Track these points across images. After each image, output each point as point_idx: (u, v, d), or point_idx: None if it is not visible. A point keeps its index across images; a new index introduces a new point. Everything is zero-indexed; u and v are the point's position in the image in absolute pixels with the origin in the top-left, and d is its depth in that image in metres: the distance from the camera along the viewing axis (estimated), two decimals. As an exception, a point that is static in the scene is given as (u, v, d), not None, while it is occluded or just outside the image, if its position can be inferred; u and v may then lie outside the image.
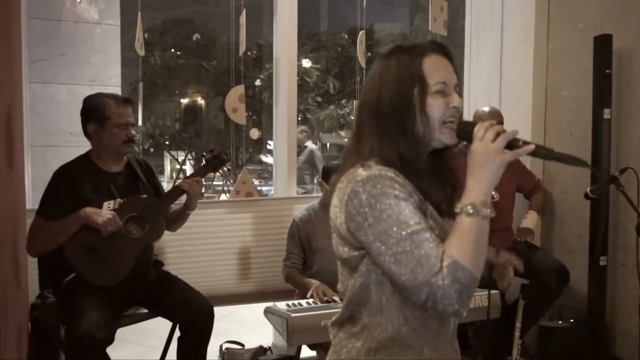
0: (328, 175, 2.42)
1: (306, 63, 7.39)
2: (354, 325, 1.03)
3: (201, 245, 2.71)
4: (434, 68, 1.02)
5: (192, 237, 2.67)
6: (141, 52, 2.82)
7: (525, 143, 0.96)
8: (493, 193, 2.61)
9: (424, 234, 0.93)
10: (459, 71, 1.07)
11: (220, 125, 7.66)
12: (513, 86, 3.16)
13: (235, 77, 2.93)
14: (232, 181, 4.22)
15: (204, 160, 2.22)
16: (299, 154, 5.51)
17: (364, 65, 3.01)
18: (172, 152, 9.96)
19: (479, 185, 0.95)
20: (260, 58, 7.54)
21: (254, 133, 3.48)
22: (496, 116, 2.76)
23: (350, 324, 1.04)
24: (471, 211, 0.94)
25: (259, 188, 8.89)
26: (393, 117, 1.01)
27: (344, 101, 7.68)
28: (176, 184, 2.16)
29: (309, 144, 6.34)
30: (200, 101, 9.58)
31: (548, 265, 2.63)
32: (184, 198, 2.19)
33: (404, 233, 0.93)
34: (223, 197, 3.56)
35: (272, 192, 3.16)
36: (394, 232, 0.93)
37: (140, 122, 3.04)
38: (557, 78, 2.99)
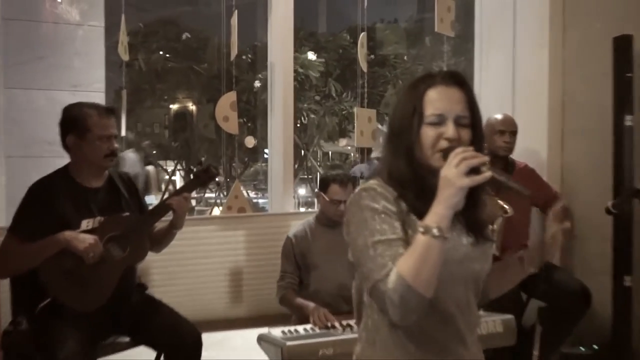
0: (326, 185, 2.42)
1: (311, 55, 7.39)
2: (363, 330, 1.23)
3: (189, 266, 2.72)
4: (433, 100, 1.19)
5: (179, 257, 2.66)
6: (125, 56, 2.83)
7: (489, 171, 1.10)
8: (507, 207, 2.62)
9: (386, 245, 1.11)
10: (474, 100, 1.21)
11: (212, 135, 7.65)
12: (527, 92, 3.20)
13: (226, 83, 2.94)
14: (225, 194, 4.23)
15: (191, 175, 2.23)
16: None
17: (365, 69, 3.02)
18: (160, 163, 9.97)
19: (437, 206, 1.10)
20: (255, 60, 7.57)
21: (249, 141, 3.49)
22: (509, 125, 2.78)
23: (361, 329, 1.23)
24: (422, 230, 1.09)
25: (255, 201, 8.87)
26: (395, 140, 1.22)
27: (345, 106, 7.69)
28: (162, 200, 2.15)
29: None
30: (191, 107, 9.61)
31: (568, 286, 2.62)
32: (170, 215, 2.18)
33: (371, 240, 1.13)
34: (216, 210, 3.56)
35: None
36: (364, 238, 1.14)
37: (123, 133, 3.04)
38: (574, 83, 3.01)
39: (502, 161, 2.76)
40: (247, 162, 9.01)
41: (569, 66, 3.04)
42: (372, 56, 7.59)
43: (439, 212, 1.09)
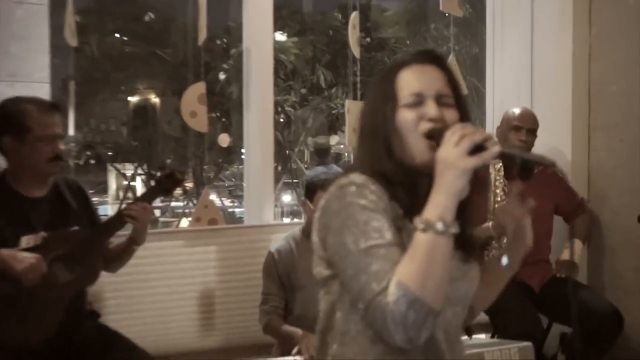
0: (313, 192, 2.44)
1: (280, 36, 7.30)
2: (324, 357, 1.17)
3: (151, 289, 2.70)
4: (408, 80, 1.19)
5: (139, 278, 2.65)
6: (73, 41, 2.81)
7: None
8: None
9: (381, 249, 1.07)
10: (456, 78, 1.23)
11: (177, 133, 7.58)
12: (548, 82, 3.22)
13: (194, 72, 2.94)
14: (195, 202, 4.22)
15: (153, 181, 2.24)
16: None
17: (358, 55, 3.03)
18: (117, 166, 9.93)
19: (438, 196, 1.06)
20: (229, 44, 7.54)
21: (224, 139, 3.46)
22: (528, 120, 2.81)
23: (321, 354, 1.18)
24: (422, 226, 1.05)
25: (232, 210, 8.85)
26: (371, 135, 1.20)
27: (335, 104, 7.68)
28: (119, 210, 2.15)
29: None
30: (154, 100, 9.58)
31: (596, 308, 2.64)
32: (128, 228, 2.18)
33: (361, 246, 1.08)
34: (184, 222, 3.55)
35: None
36: (351, 244, 1.09)
37: (71, 131, 3.03)
38: (602, 70, 3.04)
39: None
40: (221, 164, 8.99)
41: (596, 51, 3.07)
42: (368, 39, 7.59)
43: (441, 202, 1.05)
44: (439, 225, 1.04)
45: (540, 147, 2.92)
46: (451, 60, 3.17)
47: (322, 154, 9.01)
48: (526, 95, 3.26)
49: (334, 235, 1.13)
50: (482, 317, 2.56)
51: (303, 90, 7.28)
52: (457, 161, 1.05)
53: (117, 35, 8.29)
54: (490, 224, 2.60)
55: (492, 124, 3.25)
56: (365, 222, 1.10)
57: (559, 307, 2.65)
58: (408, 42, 8.38)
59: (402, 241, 1.10)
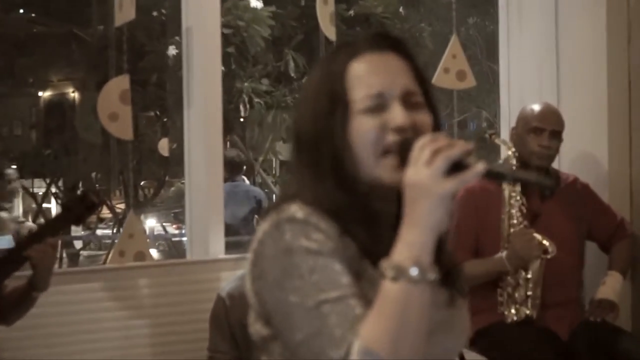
0: None
1: (256, 2, 7.26)
2: None
3: (60, 347, 2.67)
4: (362, 75, 1.16)
5: (43, 332, 2.63)
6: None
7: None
8: (547, 244, 2.64)
9: (336, 305, 1.05)
10: (425, 71, 1.21)
11: (96, 139, 7.47)
12: (576, 72, 3.21)
13: (116, 62, 2.95)
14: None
15: (60, 207, 2.24)
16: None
17: (332, 37, 3.04)
18: (24, 182, 9.84)
19: (410, 232, 1.04)
20: (168, 21, 7.50)
21: (164, 145, 3.45)
22: (550, 120, 2.82)
23: None
24: (392, 274, 1.03)
25: (178, 240, 8.74)
26: (313, 150, 1.17)
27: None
28: (18, 243, 2.14)
29: None
30: (72, 94, 9.53)
31: (640, 361, 2.69)
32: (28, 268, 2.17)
33: (309, 303, 1.06)
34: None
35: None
36: (296, 300, 1.08)
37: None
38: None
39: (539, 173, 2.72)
40: (163, 178, 8.89)
41: (636, 32, 3.09)
42: (351, 12, 7.63)
43: (414, 239, 1.04)
44: (414, 272, 1.02)
45: (568, 153, 2.95)
46: (454, 41, 3.21)
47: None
48: (551, 87, 3.27)
49: (273, 289, 1.12)
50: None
51: (264, 82, 7.21)
52: (431, 186, 1.03)
53: (21, 11, 8.24)
54: (503, 254, 2.64)
55: (507, 123, 3.28)
56: (312, 269, 1.08)
57: (592, 357, 2.67)
58: (401, 10, 8.38)
59: (363, 291, 1.08)
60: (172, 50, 6.11)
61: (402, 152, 1.12)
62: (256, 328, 1.20)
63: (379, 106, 1.16)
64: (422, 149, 1.05)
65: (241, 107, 6.95)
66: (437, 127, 1.19)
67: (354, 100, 1.16)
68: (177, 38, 5.88)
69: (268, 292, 1.14)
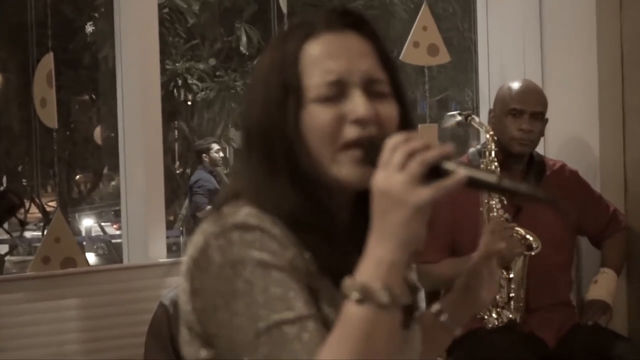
0: None
1: None
2: None
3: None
4: (318, 58, 1.14)
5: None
6: None
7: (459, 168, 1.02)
8: (531, 239, 2.62)
9: (291, 328, 1.03)
10: (389, 52, 1.19)
11: (20, 126, 7.40)
12: (562, 44, 3.20)
13: (37, 37, 2.98)
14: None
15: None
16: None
17: (285, 10, 3.07)
18: None
19: (379, 247, 1.02)
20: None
21: (99, 134, 3.50)
22: (531, 100, 2.77)
23: None
24: (357, 296, 1.01)
25: (119, 241, 8.64)
26: (262, 144, 1.16)
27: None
28: None
29: None
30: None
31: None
32: None
33: (260, 325, 1.04)
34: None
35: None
36: (246, 321, 1.06)
37: None
38: None
39: (520, 161, 2.79)
40: (100, 171, 8.89)
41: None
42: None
43: (384, 257, 1.02)
44: (383, 296, 1.00)
45: (555, 137, 2.94)
46: (424, 11, 3.15)
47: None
48: (534, 62, 3.24)
49: (217, 308, 1.09)
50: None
51: (212, 61, 7.09)
52: (405, 194, 1.01)
53: None
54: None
55: (487, 102, 3.26)
56: (265, 287, 1.06)
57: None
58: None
59: (322, 312, 1.08)
60: (101, 26, 5.96)
61: (368, 153, 1.09)
62: (191, 351, 1.18)
63: (336, 95, 1.14)
64: (393, 150, 1.03)
65: (175, 91, 6.78)
66: (405, 121, 1.17)
67: (308, 88, 1.14)
68: (103, 10, 5.70)
69: (210, 311, 1.11)
